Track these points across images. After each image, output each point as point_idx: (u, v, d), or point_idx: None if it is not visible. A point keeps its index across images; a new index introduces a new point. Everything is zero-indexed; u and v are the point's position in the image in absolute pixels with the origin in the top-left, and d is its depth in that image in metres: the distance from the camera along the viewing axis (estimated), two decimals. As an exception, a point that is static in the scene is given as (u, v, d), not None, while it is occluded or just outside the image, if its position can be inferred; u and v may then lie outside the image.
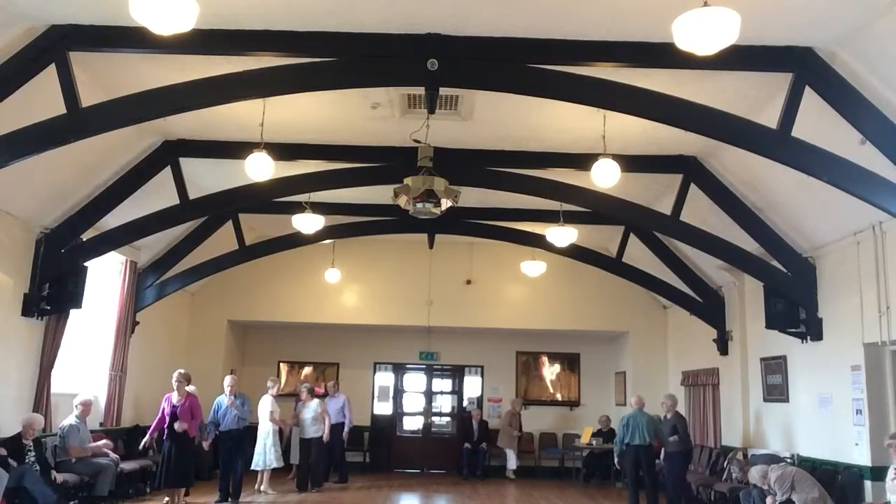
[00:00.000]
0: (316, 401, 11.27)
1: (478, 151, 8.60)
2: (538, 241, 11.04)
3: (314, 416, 11.05)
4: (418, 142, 7.30)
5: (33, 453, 7.46)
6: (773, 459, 8.41)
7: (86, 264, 8.70)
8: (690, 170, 8.66)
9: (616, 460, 9.82)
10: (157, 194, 8.96)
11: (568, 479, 13.55)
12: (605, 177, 7.28)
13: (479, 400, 15.13)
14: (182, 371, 8.80)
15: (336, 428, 11.90)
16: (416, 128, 7.21)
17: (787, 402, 9.16)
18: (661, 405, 9.79)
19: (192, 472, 9.01)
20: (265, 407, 10.54)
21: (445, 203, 7.17)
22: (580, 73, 5.92)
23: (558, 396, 15.08)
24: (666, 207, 9.05)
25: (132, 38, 5.69)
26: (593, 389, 14.82)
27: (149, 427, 8.98)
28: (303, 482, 11.00)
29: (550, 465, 14.01)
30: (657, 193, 9.71)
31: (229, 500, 9.47)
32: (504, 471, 13.78)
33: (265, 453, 10.39)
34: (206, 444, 9.75)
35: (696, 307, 11.40)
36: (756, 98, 6.65)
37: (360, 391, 14.88)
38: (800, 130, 5.87)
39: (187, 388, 8.68)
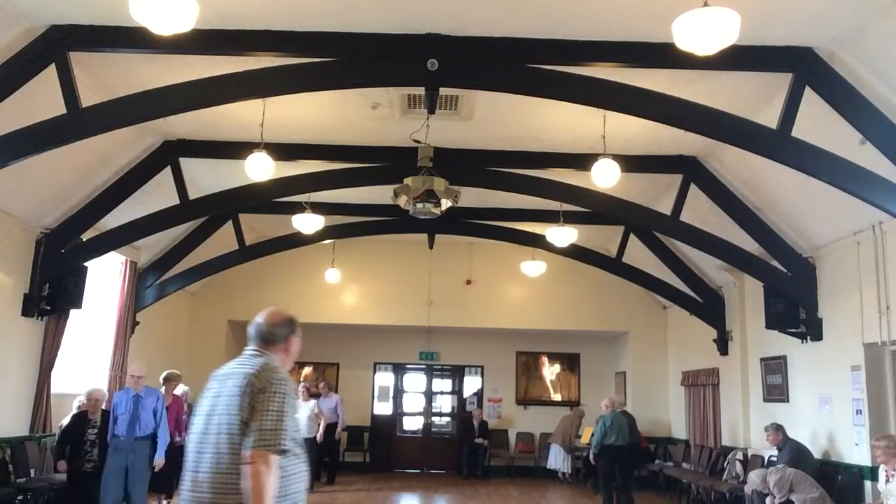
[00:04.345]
0: (312, 401, 11.30)
1: (478, 151, 8.60)
2: (538, 241, 11.04)
3: (308, 416, 11.08)
4: (418, 142, 7.30)
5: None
6: (771, 463, 8.42)
7: (86, 264, 8.69)
8: (690, 170, 8.66)
9: (592, 459, 9.85)
10: (157, 194, 8.96)
11: (566, 481, 13.55)
12: (605, 177, 7.28)
13: (479, 399, 15.16)
14: (175, 371, 8.76)
15: (329, 428, 11.89)
16: (416, 128, 7.21)
17: (787, 402, 9.16)
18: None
19: (174, 477, 8.83)
20: None
21: (445, 203, 7.18)
22: (580, 73, 5.92)
23: (558, 396, 15.08)
24: (666, 207, 9.05)
25: (132, 38, 5.69)
26: (593, 389, 14.80)
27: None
28: None
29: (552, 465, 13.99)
30: (657, 193, 9.71)
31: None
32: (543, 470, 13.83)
33: None
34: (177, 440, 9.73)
35: (696, 307, 11.39)
36: (756, 98, 6.65)
37: (360, 391, 14.91)
38: (800, 130, 5.87)
39: (175, 391, 8.62)
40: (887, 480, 6.21)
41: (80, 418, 7.21)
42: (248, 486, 2.52)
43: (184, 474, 2.75)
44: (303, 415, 11.11)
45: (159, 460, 6.97)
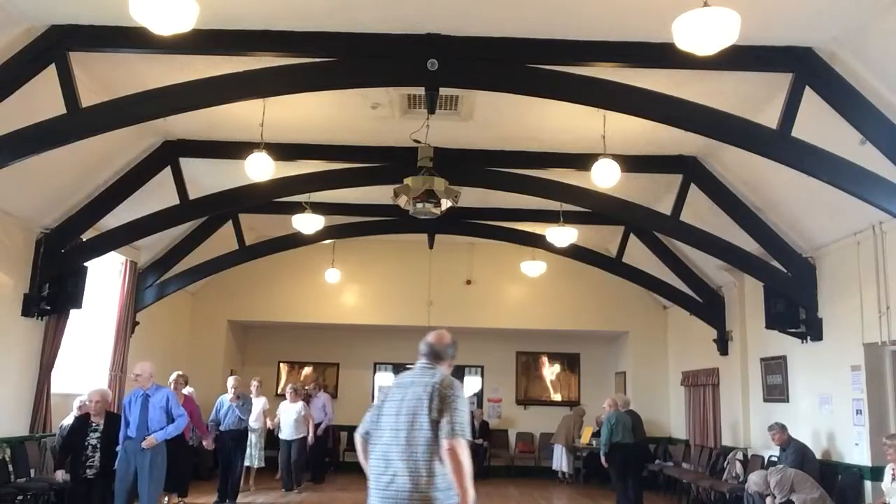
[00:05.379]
0: (301, 403, 11.18)
1: (478, 151, 8.60)
2: (538, 241, 11.04)
3: (296, 419, 10.96)
4: (418, 142, 7.30)
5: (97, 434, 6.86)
6: (772, 463, 8.42)
7: (86, 264, 8.70)
8: (690, 170, 8.66)
9: (603, 459, 9.87)
10: (157, 194, 8.95)
11: (567, 480, 13.55)
12: (605, 177, 7.28)
13: (479, 399, 15.16)
14: (180, 373, 8.78)
15: (317, 427, 11.80)
16: (416, 128, 7.21)
17: (787, 402, 9.16)
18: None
19: (179, 476, 8.58)
20: (256, 407, 10.67)
21: (445, 203, 7.18)
22: (580, 73, 5.92)
23: (558, 397, 15.08)
24: (666, 207, 9.05)
25: (132, 38, 5.69)
26: (593, 389, 14.81)
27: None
28: (287, 482, 10.99)
29: (551, 465, 13.99)
30: (657, 193, 9.70)
31: (227, 500, 9.48)
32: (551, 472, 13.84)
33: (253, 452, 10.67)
34: (206, 443, 9.76)
35: (696, 307, 11.39)
36: (756, 98, 6.65)
37: (360, 391, 14.90)
38: (800, 130, 5.87)
39: (184, 391, 8.65)
40: (893, 479, 6.21)
41: (81, 423, 6.97)
42: (451, 464, 3.21)
43: (370, 459, 3.44)
44: (289, 417, 11.00)
45: (150, 438, 6.71)
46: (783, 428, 8.15)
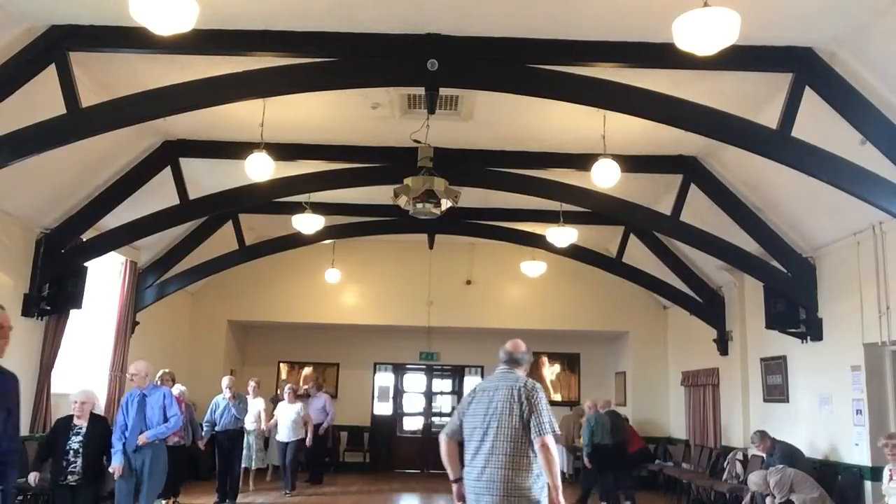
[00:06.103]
0: (298, 404, 11.09)
1: (478, 151, 8.60)
2: (538, 241, 11.05)
3: (293, 419, 10.85)
4: (418, 142, 7.31)
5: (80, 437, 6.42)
6: (770, 464, 8.42)
7: (86, 264, 8.70)
8: (690, 170, 8.66)
9: (586, 461, 9.94)
10: (157, 194, 8.95)
11: (567, 480, 13.55)
12: (605, 177, 7.29)
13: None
14: (166, 370, 8.77)
15: (317, 428, 11.76)
16: (416, 128, 7.21)
17: (787, 402, 9.17)
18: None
19: (172, 477, 8.27)
20: (254, 408, 10.67)
21: (445, 203, 7.18)
22: (580, 73, 5.92)
23: (558, 397, 15.07)
24: (666, 207, 9.05)
25: (132, 38, 5.69)
26: (593, 389, 14.74)
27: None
28: (285, 483, 10.95)
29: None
30: (657, 193, 9.70)
31: (227, 501, 9.48)
32: None
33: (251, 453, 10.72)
34: (200, 444, 9.77)
35: (696, 307, 11.40)
36: (756, 98, 6.65)
37: (360, 391, 14.90)
38: (800, 130, 5.87)
39: (172, 390, 8.61)
40: (890, 479, 6.21)
41: (62, 425, 6.50)
42: (542, 458, 3.71)
43: (466, 458, 3.89)
44: (287, 418, 10.93)
45: (141, 437, 6.54)
46: (763, 436, 8.14)
